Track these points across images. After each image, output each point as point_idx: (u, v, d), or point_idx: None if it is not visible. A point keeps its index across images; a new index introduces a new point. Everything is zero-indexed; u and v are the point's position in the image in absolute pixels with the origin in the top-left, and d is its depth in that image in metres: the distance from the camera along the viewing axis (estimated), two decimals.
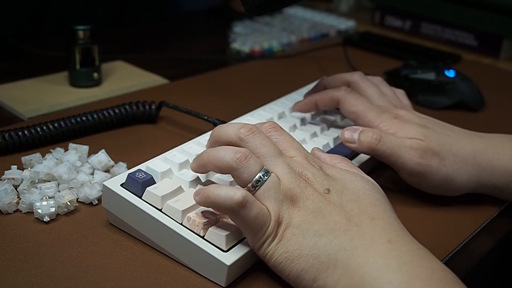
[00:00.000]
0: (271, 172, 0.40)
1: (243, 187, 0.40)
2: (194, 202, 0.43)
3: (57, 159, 0.52)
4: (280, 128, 0.45)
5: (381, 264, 0.36)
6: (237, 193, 0.38)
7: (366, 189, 0.42)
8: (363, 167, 0.54)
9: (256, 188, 0.40)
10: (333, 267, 0.37)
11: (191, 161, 0.48)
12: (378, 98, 0.55)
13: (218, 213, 0.42)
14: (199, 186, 0.45)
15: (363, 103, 0.53)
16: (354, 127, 0.51)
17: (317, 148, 0.48)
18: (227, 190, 0.39)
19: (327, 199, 0.40)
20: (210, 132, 0.53)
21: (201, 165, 0.43)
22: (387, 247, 0.37)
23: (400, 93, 0.59)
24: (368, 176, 0.44)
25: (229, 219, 0.43)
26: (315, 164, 0.43)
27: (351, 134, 0.51)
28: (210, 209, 0.43)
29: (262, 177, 0.40)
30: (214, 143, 0.44)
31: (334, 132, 0.57)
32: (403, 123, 0.51)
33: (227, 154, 0.40)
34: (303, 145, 0.50)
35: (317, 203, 0.39)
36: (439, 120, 0.54)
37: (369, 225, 0.38)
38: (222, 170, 0.42)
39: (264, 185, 0.40)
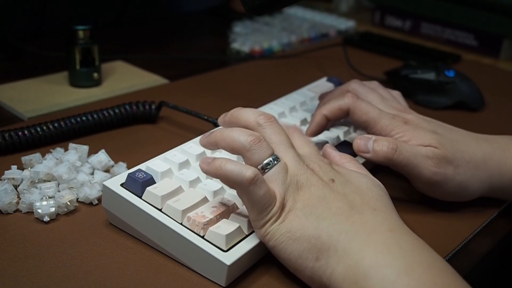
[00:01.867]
0: (281, 159, 0.42)
1: None
2: (194, 202, 0.43)
3: (57, 159, 0.52)
4: (303, 133, 0.49)
5: (381, 249, 0.37)
6: (249, 170, 0.39)
7: (370, 185, 0.43)
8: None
9: (265, 171, 0.41)
10: (334, 248, 0.38)
11: (191, 161, 0.49)
12: (380, 104, 0.55)
13: (218, 213, 0.43)
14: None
15: (374, 110, 0.52)
16: (367, 136, 0.50)
17: (329, 145, 0.49)
18: (239, 166, 0.40)
19: (331, 187, 0.41)
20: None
21: (212, 142, 0.44)
22: (388, 235, 0.38)
23: (397, 94, 0.59)
24: (374, 177, 0.45)
25: (229, 219, 0.43)
26: (324, 160, 0.45)
27: (365, 144, 0.49)
28: (210, 208, 0.43)
29: (272, 161, 0.41)
30: (230, 122, 0.46)
31: (334, 132, 0.57)
32: (415, 129, 0.51)
33: (242, 135, 0.42)
34: None
35: (321, 190, 0.41)
36: (441, 122, 0.54)
37: (371, 214, 0.40)
38: (234, 150, 0.43)
39: (273, 169, 0.41)
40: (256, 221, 0.41)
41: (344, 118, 0.54)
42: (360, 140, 0.49)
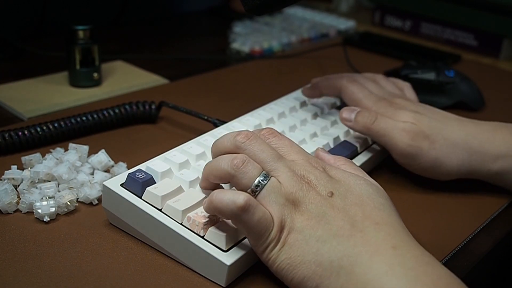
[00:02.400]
0: (271, 176, 0.40)
1: None
2: (194, 202, 0.43)
3: (57, 159, 0.52)
4: (278, 134, 0.44)
5: (385, 270, 0.35)
6: (239, 197, 0.38)
7: (370, 192, 0.41)
8: (363, 167, 0.54)
9: (256, 193, 0.39)
10: (336, 274, 0.36)
11: (191, 161, 0.49)
12: (375, 90, 0.58)
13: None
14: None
15: (362, 91, 0.56)
16: (353, 107, 0.55)
17: (321, 148, 0.48)
18: (229, 195, 0.38)
19: (330, 203, 0.39)
20: (210, 132, 0.53)
21: (205, 179, 0.43)
22: (391, 253, 0.36)
23: (407, 86, 0.62)
24: (372, 179, 0.43)
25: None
26: (318, 166, 0.42)
27: (349, 114, 0.54)
28: None
29: (261, 181, 0.39)
30: (214, 156, 0.44)
31: (334, 132, 0.57)
32: (397, 109, 0.54)
33: (224, 162, 0.40)
34: (303, 145, 0.50)
35: (320, 207, 0.39)
36: (434, 108, 0.56)
37: (373, 231, 0.38)
38: (222, 179, 0.41)
39: (264, 190, 0.39)
40: (256, 247, 0.39)
41: (335, 95, 0.61)
42: (345, 110, 0.54)
